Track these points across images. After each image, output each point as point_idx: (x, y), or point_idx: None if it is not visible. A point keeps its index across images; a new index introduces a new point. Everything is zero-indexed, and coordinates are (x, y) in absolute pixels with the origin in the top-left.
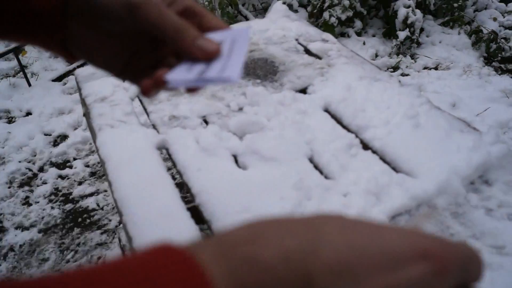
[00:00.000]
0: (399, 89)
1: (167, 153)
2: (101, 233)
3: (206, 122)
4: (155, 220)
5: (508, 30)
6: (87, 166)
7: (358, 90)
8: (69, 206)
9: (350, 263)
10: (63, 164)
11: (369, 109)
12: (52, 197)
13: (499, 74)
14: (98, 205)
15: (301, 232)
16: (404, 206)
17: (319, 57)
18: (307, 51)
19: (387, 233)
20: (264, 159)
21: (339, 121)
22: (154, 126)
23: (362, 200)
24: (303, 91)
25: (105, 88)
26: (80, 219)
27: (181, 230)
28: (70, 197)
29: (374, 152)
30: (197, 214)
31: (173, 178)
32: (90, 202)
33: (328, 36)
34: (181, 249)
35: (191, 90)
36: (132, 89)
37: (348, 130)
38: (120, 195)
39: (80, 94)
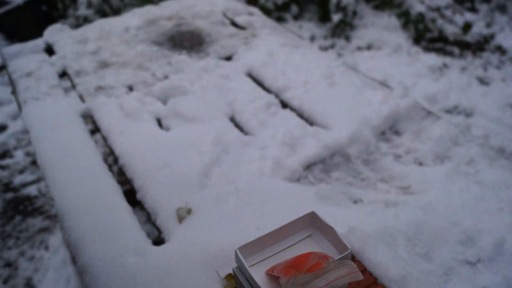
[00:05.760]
0: (318, 53)
1: (92, 121)
2: (43, 219)
3: (131, 90)
4: (76, 181)
5: (434, 12)
6: (28, 155)
7: (280, 56)
8: (9, 195)
9: None
10: (3, 155)
11: (289, 72)
12: None
13: (426, 53)
14: (40, 191)
15: None
16: (318, 155)
17: (244, 28)
18: (233, 24)
19: None
20: (185, 120)
21: (260, 84)
22: (80, 97)
23: (278, 151)
24: (228, 59)
25: (31, 64)
26: (21, 207)
27: (103, 188)
28: (11, 186)
29: (292, 109)
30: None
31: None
32: (31, 190)
33: (254, 10)
34: None
35: None
36: (59, 63)
37: (269, 91)
38: (43, 161)
39: (7, 72)
